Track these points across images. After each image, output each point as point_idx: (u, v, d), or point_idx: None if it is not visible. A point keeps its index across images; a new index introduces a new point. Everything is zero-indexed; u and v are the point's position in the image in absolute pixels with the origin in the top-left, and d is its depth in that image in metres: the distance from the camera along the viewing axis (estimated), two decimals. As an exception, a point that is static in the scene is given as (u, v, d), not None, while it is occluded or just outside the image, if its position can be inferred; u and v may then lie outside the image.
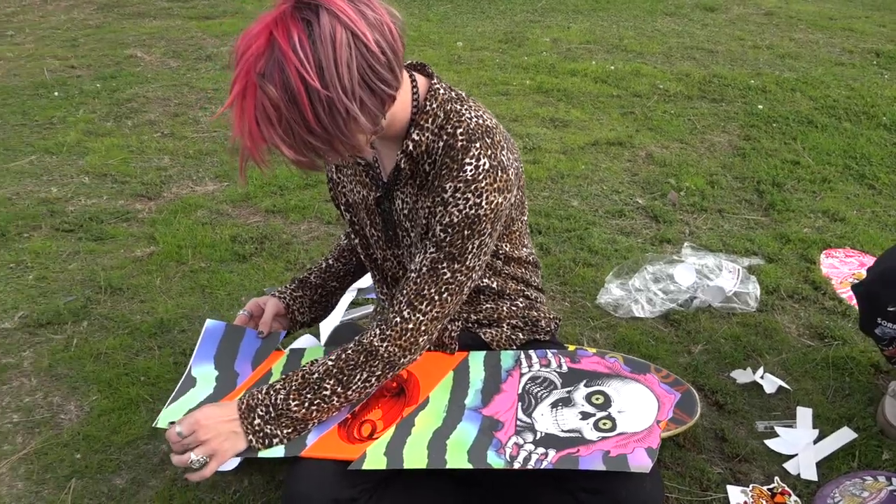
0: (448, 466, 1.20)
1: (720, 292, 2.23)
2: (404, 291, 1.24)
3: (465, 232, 1.20)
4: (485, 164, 1.18)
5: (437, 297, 1.23)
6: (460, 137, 1.20)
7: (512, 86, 3.95)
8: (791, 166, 3.17)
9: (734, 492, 1.62)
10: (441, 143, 1.21)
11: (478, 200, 1.18)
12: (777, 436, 1.78)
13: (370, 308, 2.19)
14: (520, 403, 1.33)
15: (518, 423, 1.29)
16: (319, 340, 1.99)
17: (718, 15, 5.45)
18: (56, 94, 3.78)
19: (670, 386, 1.85)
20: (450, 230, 1.20)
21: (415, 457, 1.22)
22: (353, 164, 1.34)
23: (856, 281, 2.36)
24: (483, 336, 1.46)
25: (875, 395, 1.92)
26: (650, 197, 2.91)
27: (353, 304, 2.20)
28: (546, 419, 1.29)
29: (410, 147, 1.22)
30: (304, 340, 1.96)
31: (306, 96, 1.01)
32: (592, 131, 3.45)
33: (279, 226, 2.62)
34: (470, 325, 1.45)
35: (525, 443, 1.25)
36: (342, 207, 1.42)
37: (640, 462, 1.18)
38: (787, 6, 5.70)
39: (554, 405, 1.32)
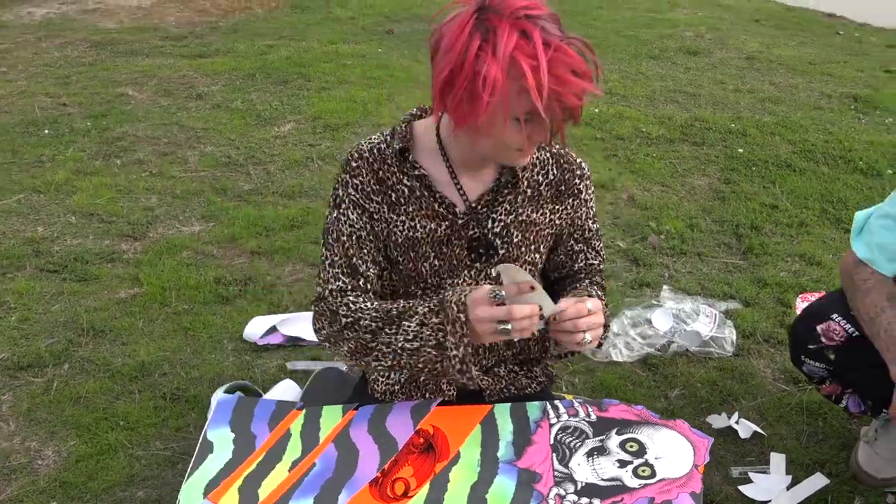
0: None
1: (697, 337, 2.27)
2: (596, 277, 1.48)
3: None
4: (581, 159, 1.44)
5: None
6: (557, 144, 1.40)
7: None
8: (769, 210, 3.23)
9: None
10: (548, 154, 1.40)
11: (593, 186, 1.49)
12: (751, 481, 1.79)
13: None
14: (554, 454, 1.32)
15: (556, 473, 1.28)
16: (300, 387, 2.00)
17: (701, 59, 5.57)
18: (46, 131, 3.82)
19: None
20: (595, 217, 1.47)
21: None
22: (419, 199, 1.36)
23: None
24: (480, 382, 1.46)
25: (848, 440, 1.94)
26: (631, 240, 2.95)
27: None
28: (584, 469, 1.28)
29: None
30: (282, 387, 1.97)
31: None
32: (575, 173, 3.51)
33: (263, 267, 2.65)
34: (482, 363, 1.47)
35: (567, 493, 1.24)
36: (391, 246, 1.39)
37: None
38: (768, 51, 5.83)
39: (589, 454, 1.32)
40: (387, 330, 1.32)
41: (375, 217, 1.37)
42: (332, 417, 1.44)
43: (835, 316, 1.59)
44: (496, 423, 1.39)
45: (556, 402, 1.43)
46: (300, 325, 2.26)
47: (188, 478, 1.34)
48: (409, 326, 1.29)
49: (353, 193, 1.36)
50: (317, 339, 1.43)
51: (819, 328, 1.59)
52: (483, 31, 1.15)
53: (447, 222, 1.36)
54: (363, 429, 1.41)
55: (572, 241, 1.46)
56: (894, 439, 1.76)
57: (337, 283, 1.37)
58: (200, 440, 1.42)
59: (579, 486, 1.24)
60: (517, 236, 1.39)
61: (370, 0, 6.63)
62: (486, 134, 1.22)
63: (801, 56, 5.75)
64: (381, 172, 1.36)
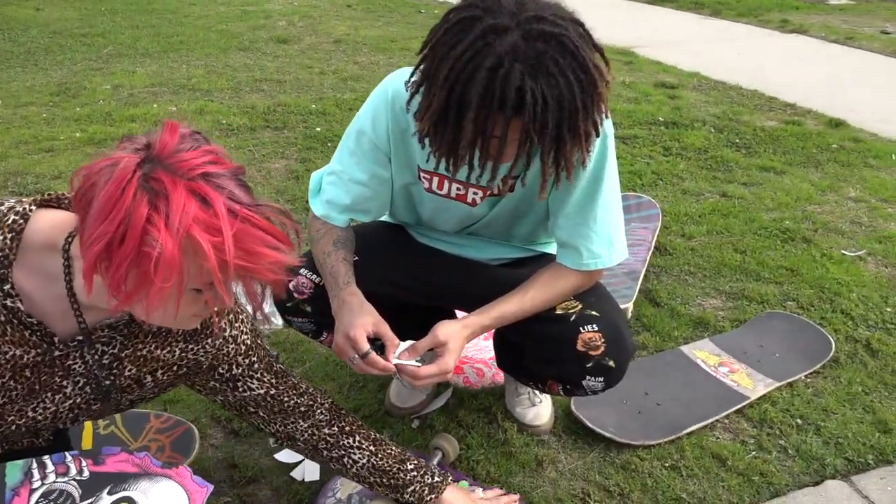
0: None
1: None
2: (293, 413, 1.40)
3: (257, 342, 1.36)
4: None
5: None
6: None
7: (59, 140, 3.65)
8: (340, 181, 3.39)
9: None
10: None
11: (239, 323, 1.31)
12: (283, 448, 1.83)
13: None
14: None
15: None
16: None
17: (291, 46, 5.69)
18: None
19: (171, 429, 1.81)
20: (250, 353, 1.32)
21: None
22: (4, 325, 1.07)
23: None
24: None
25: (385, 381, 2.09)
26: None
27: None
28: None
29: None
30: None
31: None
32: (145, 177, 3.33)
33: None
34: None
35: None
36: None
37: None
38: (355, 33, 6.17)
39: None
40: None
41: None
42: None
43: (303, 270, 1.66)
44: None
45: (45, 458, 1.26)
46: None
47: None
48: None
49: None
50: None
51: (291, 285, 1.65)
52: (151, 195, 0.91)
53: (39, 350, 1.11)
54: None
55: (214, 376, 1.30)
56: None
57: None
58: None
59: None
60: (131, 370, 1.20)
61: None
62: (153, 307, 0.97)
63: (384, 35, 6.18)
64: None
